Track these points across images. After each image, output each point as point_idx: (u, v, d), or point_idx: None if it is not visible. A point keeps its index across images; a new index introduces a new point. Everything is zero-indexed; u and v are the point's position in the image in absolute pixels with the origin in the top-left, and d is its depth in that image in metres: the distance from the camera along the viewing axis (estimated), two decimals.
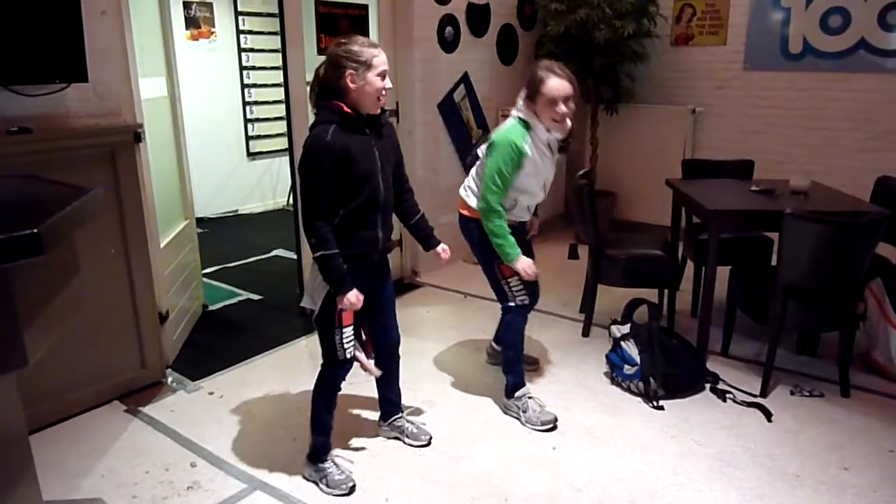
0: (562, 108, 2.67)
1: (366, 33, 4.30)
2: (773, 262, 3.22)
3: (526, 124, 2.75)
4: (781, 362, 3.37)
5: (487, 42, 5.24)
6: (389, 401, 2.83)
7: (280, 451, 2.74)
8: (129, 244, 3.11)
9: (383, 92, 2.31)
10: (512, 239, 2.79)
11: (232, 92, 6.89)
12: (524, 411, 2.95)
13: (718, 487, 2.52)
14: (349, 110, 2.28)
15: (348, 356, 2.48)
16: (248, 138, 7.11)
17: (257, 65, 6.96)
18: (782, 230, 2.99)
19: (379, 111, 2.35)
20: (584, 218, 3.67)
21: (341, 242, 2.33)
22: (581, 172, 3.78)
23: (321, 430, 2.57)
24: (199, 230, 4.53)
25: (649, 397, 3.12)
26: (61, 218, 1.57)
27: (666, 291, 3.85)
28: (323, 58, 2.34)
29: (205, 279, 4.57)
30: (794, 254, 3.01)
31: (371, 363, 2.60)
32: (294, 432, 2.81)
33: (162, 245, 3.46)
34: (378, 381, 2.76)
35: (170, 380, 3.35)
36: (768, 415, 3.00)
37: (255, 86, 7.01)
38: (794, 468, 2.63)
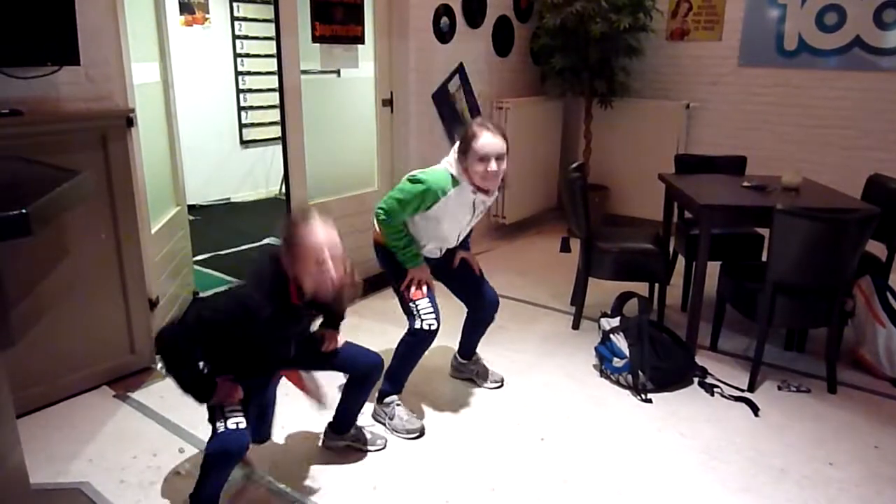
0: (492, 165, 2.63)
1: (361, 22, 4.27)
2: (764, 258, 3.24)
3: (455, 181, 2.70)
4: (769, 358, 3.39)
5: (483, 33, 5.22)
6: (349, 417, 2.66)
7: None
8: (119, 229, 3.09)
9: (328, 280, 1.91)
10: (409, 244, 2.78)
11: (226, 79, 6.86)
12: (391, 418, 2.86)
13: (704, 480, 2.54)
14: (295, 298, 1.98)
15: (230, 427, 2.02)
16: (241, 126, 7.07)
17: (251, 52, 6.93)
18: (773, 226, 3.00)
19: (332, 299, 1.97)
20: (577, 211, 3.67)
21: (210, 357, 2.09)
22: (574, 165, 3.77)
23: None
24: (191, 217, 4.51)
25: (637, 390, 3.13)
26: (51, 199, 1.56)
27: (656, 285, 3.87)
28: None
29: (196, 266, 4.55)
30: (785, 250, 3.02)
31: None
32: (281, 419, 2.81)
33: (153, 231, 3.45)
34: (345, 396, 2.60)
35: (159, 366, 3.34)
36: (755, 409, 3.02)
37: (249, 73, 6.98)
38: (779, 462, 2.65)
